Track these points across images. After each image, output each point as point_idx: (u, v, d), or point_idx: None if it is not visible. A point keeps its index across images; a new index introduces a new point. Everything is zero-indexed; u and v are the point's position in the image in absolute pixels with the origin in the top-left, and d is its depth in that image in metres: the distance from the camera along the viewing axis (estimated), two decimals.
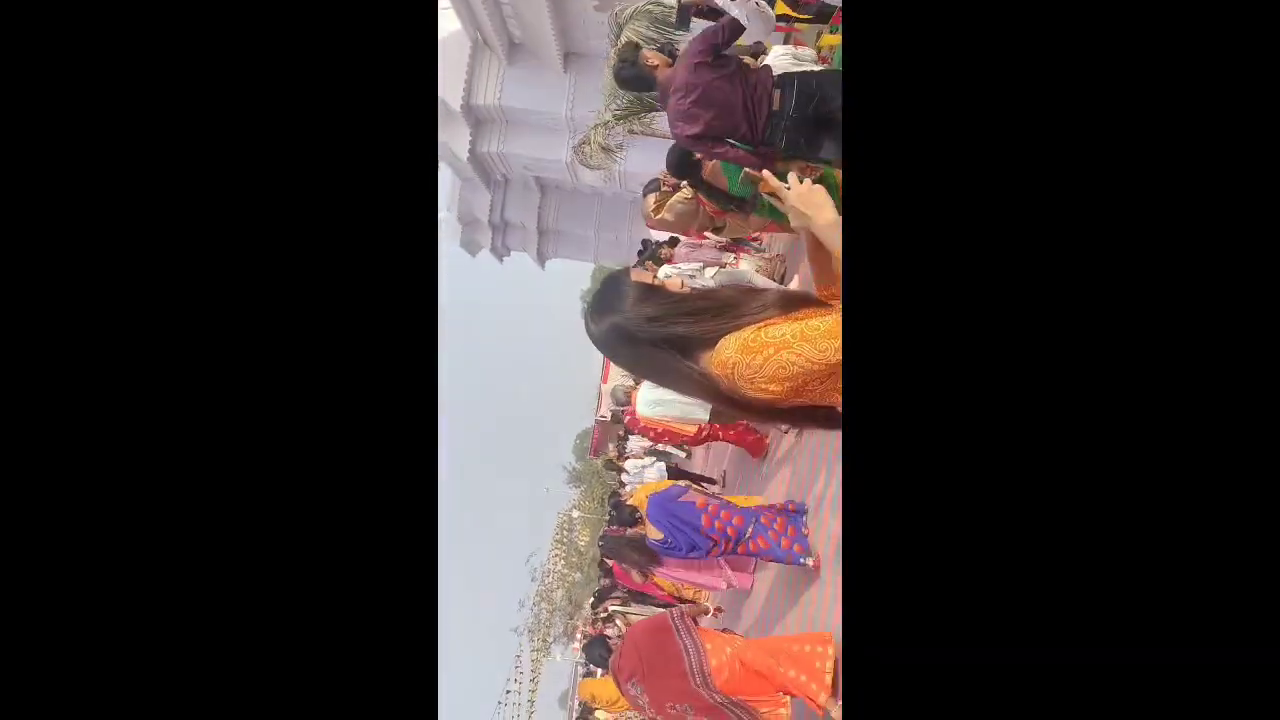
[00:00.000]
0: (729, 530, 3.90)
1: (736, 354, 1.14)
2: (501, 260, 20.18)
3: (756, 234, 6.31)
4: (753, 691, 2.94)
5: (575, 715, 10.02)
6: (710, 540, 3.89)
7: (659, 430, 5.46)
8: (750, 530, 3.91)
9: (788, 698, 2.93)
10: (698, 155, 3.86)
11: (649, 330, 1.22)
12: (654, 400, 4.91)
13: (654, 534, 4.06)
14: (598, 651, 4.13)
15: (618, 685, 3.19)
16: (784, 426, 1.43)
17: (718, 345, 1.17)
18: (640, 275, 1.38)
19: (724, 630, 3.55)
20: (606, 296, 1.33)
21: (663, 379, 1.33)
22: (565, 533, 19.82)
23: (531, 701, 16.11)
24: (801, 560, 3.81)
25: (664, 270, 5.37)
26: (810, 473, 4.30)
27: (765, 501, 4.41)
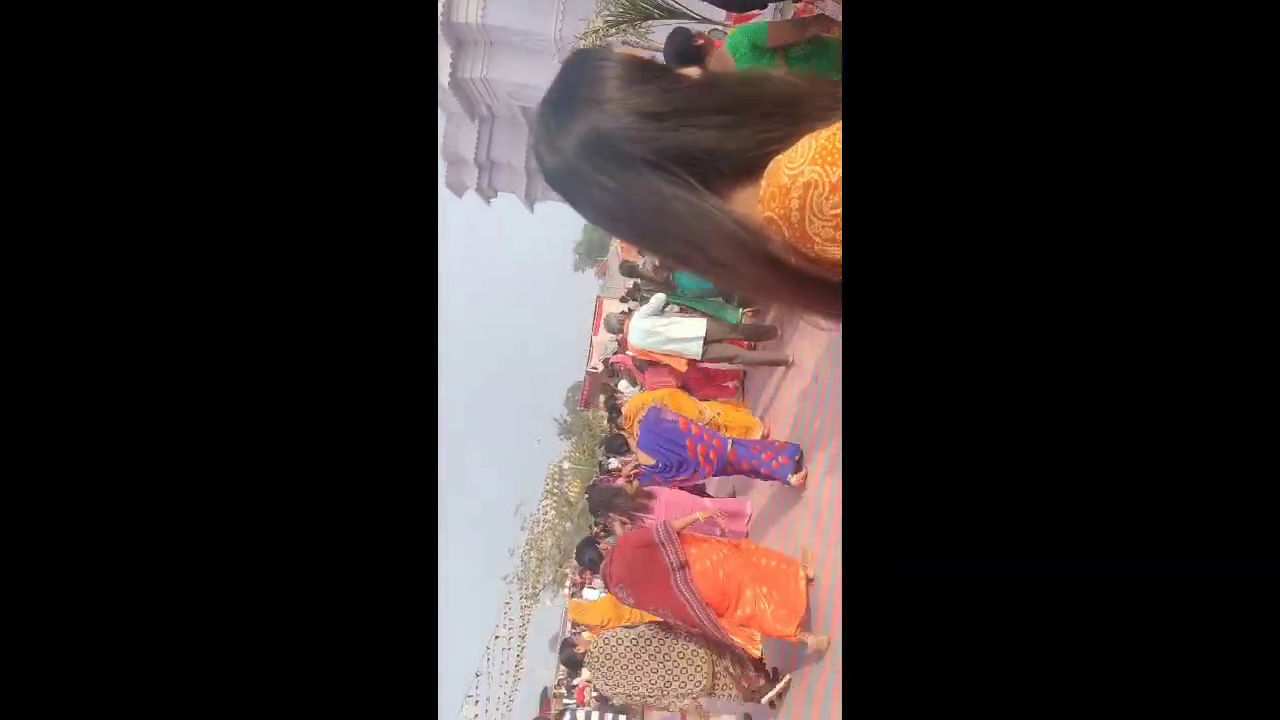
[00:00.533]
0: (711, 454, 4.05)
1: (812, 166, 0.64)
2: (489, 201, 19.52)
3: None
4: (728, 603, 3.12)
5: (566, 634, 10.82)
6: (695, 460, 4.06)
7: (650, 361, 5.03)
8: (730, 446, 4.03)
9: (759, 635, 3.10)
10: (700, 40, 3.28)
11: (648, 136, 0.70)
12: (647, 329, 4.39)
13: (646, 460, 4.11)
14: (588, 554, 3.93)
15: (608, 588, 3.38)
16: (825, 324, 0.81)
17: (770, 166, 0.67)
18: (629, 50, 0.79)
19: (715, 538, 3.68)
20: (574, 82, 0.76)
21: (666, 235, 0.75)
22: (555, 483, 19.91)
23: (520, 648, 16.32)
24: (770, 469, 3.84)
25: None
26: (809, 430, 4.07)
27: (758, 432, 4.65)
